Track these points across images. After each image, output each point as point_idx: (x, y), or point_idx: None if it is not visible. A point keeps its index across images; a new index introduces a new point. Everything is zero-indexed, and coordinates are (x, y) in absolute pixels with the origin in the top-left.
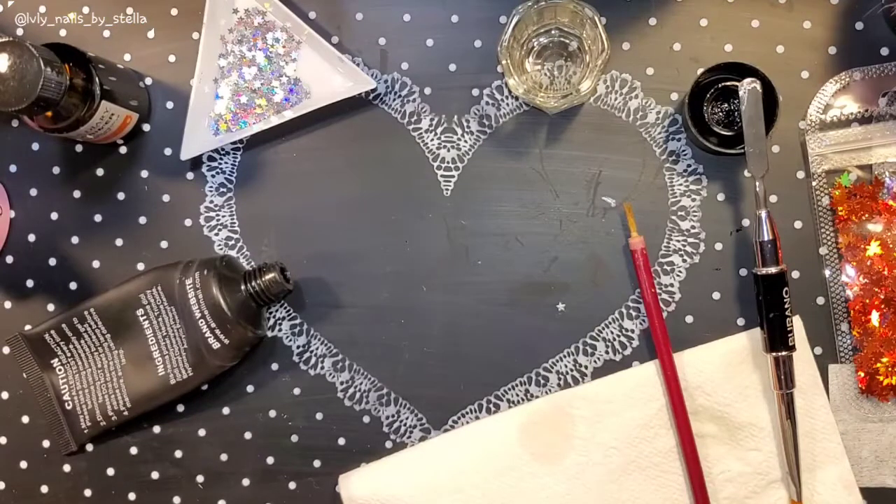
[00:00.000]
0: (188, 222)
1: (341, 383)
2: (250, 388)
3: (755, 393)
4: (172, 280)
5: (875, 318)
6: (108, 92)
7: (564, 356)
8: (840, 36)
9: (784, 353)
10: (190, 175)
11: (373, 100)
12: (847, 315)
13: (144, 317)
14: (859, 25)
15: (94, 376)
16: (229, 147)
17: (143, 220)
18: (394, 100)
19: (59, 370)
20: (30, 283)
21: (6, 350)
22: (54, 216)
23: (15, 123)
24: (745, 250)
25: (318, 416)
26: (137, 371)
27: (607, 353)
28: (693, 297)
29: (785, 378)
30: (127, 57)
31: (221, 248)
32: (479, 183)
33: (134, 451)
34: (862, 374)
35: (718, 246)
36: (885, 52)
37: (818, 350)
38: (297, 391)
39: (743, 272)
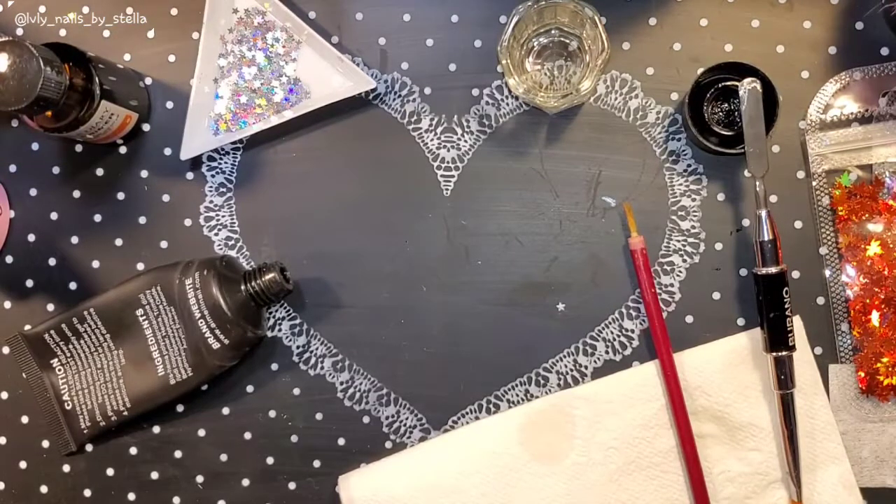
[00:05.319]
0: (188, 222)
1: (341, 383)
2: (250, 388)
3: (755, 393)
4: (172, 280)
5: (875, 318)
6: (107, 92)
7: (564, 356)
8: (840, 36)
9: (784, 353)
10: (190, 175)
11: (373, 100)
12: (847, 315)
13: (144, 317)
14: (859, 25)
15: (93, 376)
16: (229, 147)
17: (142, 220)
18: (394, 100)
19: (59, 370)
20: (29, 283)
21: (6, 350)
22: (54, 216)
23: (15, 123)
24: (745, 250)
25: (318, 416)
26: (137, 371)
27: (607, 353)
28: (693, 297)
29: (785, 378)
30: (127, 57)
31: (221, 248)
32: (479, 183)
33: (134, 451)
34: (862, 374)
35: (718, 246)
36: (885, 52)
37: (818, 350)
38: (296, 391)
39: (743, 272)
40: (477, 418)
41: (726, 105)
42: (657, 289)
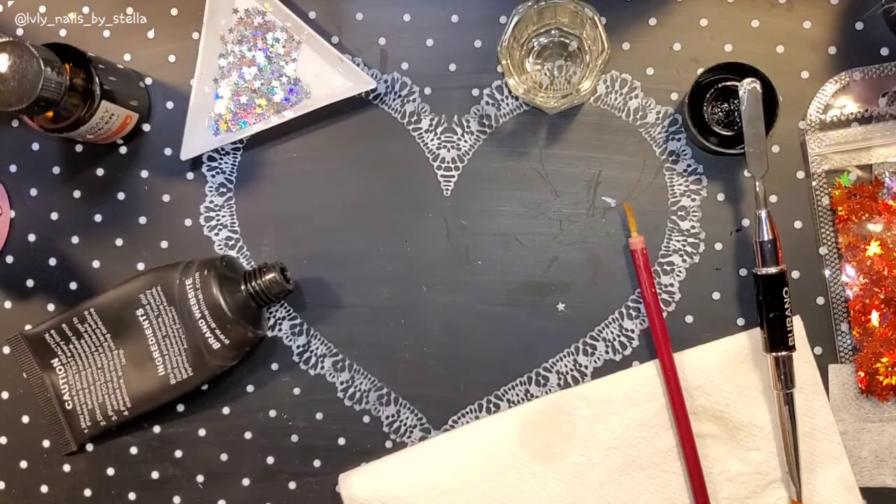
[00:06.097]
0: (188, 222)
1: (341, 383)
2: (250, 388)
3: (755, 393)
4: (172, 280)
5: (875, 318)
6: (108, 92)
7: (564, 356)
8: (840, 36)
9: (784, 353)
10: (190, 175)
11: (373, 100)
12: (847, 315)
13: (144, 317)
14: (859, 25)
15: (94, 376)
16: (229, 147)
17: (143, 220)
18: (394, 100)
19: (60, 370)
20: (30, 283)
21: (6, 350)
22: (54, 216)
23: (15, 123)
24: (745, 250)
25: (318, 416)
26: (137, 371)
27: (607, 353)
28: (693, 297)
29: (785, 378)
30: (127, 57)
31: (221, 248)
32: (479, 183)
33: (134, 451)
34: (862, 374)
35: (718, 246)
36: (885, 52)
37: (818, 350)
38: (297, 391)
39: (743, 272)
40: (477, 418)
41: (726, 105)
42: (657, 289)
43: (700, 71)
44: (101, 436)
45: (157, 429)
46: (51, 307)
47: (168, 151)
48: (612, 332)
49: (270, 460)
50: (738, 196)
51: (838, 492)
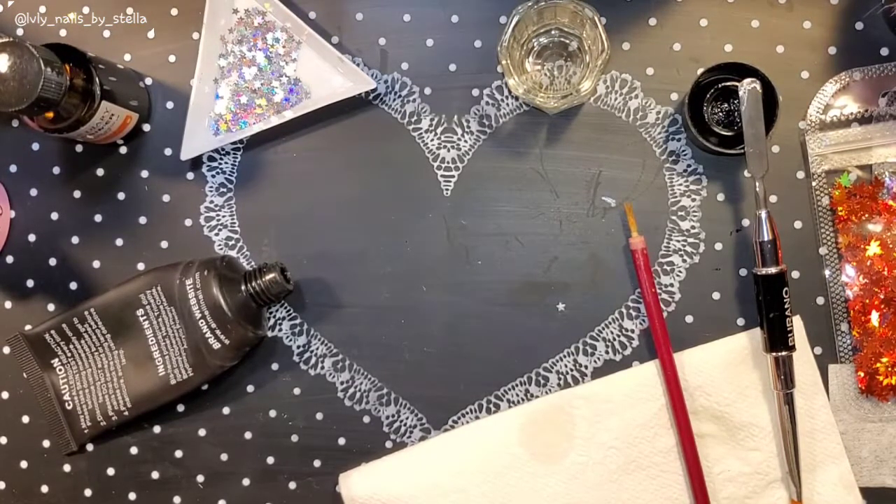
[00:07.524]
0: (188, 222)
1: (341, 383)
2: (250, 388)
3: (755, 393)
4: (172, 280)
5: (875, 318)
6: (108, 92)
7: (564, 356)
8: (840, 36)
9: (784, 353)
10: (190, 175)
11: (373, 100)
12: (847, 315)
13: (144, 317)
14: (859, 25)
15: (94, 376)
16: (229, 147)
17: (143, 220)
18: (394, 100)
19: (60, 370)
20: (30, 283)
21: (6, 350)
22: (54, 216)
23: (15, 123)
24: (745, 250)
25: (318, 416)
26: (137, 371)
27: (607, 353)
28: (693, 297)
29: (785, 378)
30: (127, 57)
31: (221, 249)
32: (479, 183)
33: (134, 451)
34: (862, 374)
35: (718, 246)
36: (885, 52)
37: (818, 350)
38: (297, 391)
39: (743, 272)
40: (477, 418)
41: (726, 105)
42: (657, 289)
43: (700, 71)
44: (101, 436)
45: (157, 429)
46: (51, 307)
47: (168, 151)
48: (612, 332)
49: (270, 460)
50: (738, 196)
51: (838, 492)
